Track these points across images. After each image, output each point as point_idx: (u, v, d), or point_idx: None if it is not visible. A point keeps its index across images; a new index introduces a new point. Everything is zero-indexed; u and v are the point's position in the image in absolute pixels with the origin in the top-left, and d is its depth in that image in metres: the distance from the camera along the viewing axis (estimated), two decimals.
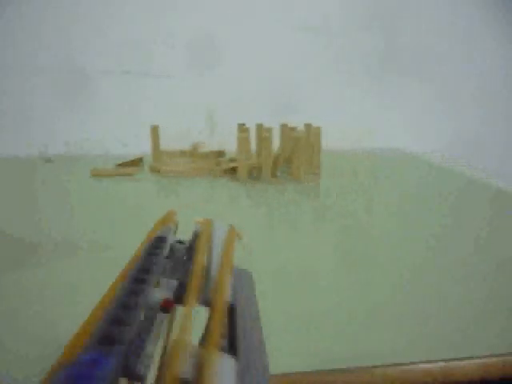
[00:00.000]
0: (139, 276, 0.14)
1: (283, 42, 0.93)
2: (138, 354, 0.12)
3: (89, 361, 0.10)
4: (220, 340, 0.13)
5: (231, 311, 0.15)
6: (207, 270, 0.17)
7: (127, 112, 0.88)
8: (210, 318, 0.14)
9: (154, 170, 0.70)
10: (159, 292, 0.15)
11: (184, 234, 0.20)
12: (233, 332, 0.15)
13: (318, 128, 0.66)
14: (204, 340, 0.13)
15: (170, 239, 0.19)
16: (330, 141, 0.78)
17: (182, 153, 0.78)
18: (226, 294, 0.15)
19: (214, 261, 0.17)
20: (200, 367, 0.11)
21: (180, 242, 0.19)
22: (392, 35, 0.96)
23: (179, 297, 0.16)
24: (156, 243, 0.17)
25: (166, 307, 0.15)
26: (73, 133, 0.85)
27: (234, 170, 0.69)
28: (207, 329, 0.13)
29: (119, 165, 0.72)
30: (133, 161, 0.75)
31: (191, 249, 0.18)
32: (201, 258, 0.17)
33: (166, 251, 0.18)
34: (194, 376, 0.11)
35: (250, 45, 0.91)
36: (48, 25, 0.83)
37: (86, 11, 0.84)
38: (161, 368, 0.13)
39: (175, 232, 0.21)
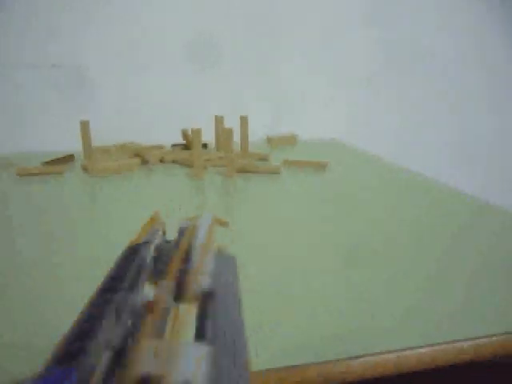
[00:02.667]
0: (111, 284, 0.14)
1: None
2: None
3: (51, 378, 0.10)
4: (190, 327, 0.14)
5: (208, 297, 0.15)
6: (188, 258, 0.17)
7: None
8: (182, 304, 0.14)
9: (83, 168, 0.67)
10: (151, 293, 0.15)
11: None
12: (207, 319, 0.14)
13: (245, 117, 0.65)
14: (172, 329, 0.13)
15: (157, 241, 0.19)
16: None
17: (117, 148, 0.76)
18: (202, 280, 0.15)
19: (196, 248, 0.17)
20: (164, 358, 0.11)
21: (168, 241, 0.19)
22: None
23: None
24: (134, 249, 0.17)
25: (151, 308, 0.14)
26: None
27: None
28: (177, 316, 0.14)
29: (47, 163, 0.69)
30: (63, 158, 0.72)
31: (177, 244, 0.18)
32: (182, 248, 0.17)
33: (148, 254, 0.17)
34: (156, 368, 0.10)
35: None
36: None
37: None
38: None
39: (164, 233, 0.21)
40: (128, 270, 0.15)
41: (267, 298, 0.32)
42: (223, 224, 0.21)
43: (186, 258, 0.17)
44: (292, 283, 0.34)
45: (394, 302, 0.31)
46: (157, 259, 0.18)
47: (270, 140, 0.89)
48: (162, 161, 0.71)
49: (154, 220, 0.20)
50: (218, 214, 0.49)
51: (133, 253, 0.17)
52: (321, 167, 0.69)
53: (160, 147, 0.78)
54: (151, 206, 0.52)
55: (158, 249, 0.18)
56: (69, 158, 0.73)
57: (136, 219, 0.45)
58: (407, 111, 1.02)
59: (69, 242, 0.41)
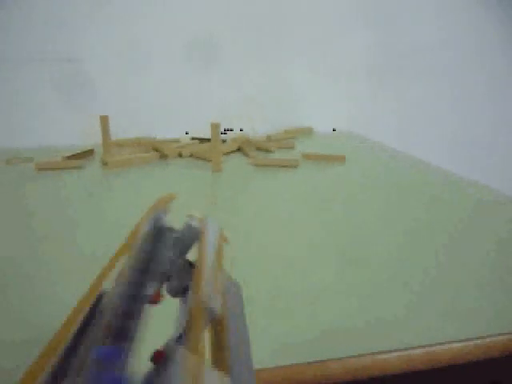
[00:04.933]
0: (143, 266, 0.15)
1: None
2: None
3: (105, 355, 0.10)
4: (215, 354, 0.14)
5: (222, 324, 0.15)
6: (198, 273, 0.16)
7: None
8: (209, 334, 0.14)
9: (103, 162, 0.68)
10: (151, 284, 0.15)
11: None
12: (224, 347, 0.14)
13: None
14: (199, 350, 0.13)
15: (162, 225, 0.19)
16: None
17: (133, 142, 0.76)
18: (220, 307, 0.15)
19: (208, 265, 0.17)
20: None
21: (171, 229, 0.19)
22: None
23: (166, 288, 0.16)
24: (155, 232, 0.17)
25: (155, 300, 0.15)
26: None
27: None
28: (201, 339, 0.13)
29: (68, 157, 0.70)
30: (83, 152, 0.72)
31: (183, 244, 0.18)
32: (200, 268, 0.16)
33: (163, 241, 0.18)
34: None
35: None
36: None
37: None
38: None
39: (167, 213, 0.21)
40: (154, 250, 0.16)
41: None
42: (225, 240, 0.21)
43: (195, 275, 0.16)
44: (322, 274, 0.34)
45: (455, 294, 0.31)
46: (157, 241, 0.18)
47: (287, 132, 0.89)
48: (180, 155, 0.71)
49: (163, 201, 0.20)
50: (238, 207, 0.49)
51: (156, 238, 0.17)
52: (339, 160, 0.68)
53: (176, 141, 0.78)
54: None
55: (161, 233, 0.18)
56: (88, 153, 0.73)
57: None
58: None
59: (88, 232, 0.42)
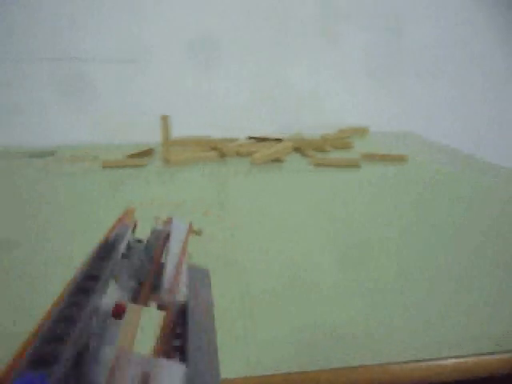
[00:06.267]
0: (85, 284, 0.14)
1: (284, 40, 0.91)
2: (90, 365, 0.11)
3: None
4: (170, 344, 0.14)
5: (184, 312, 0.15)
6: (162, 270, 0.17)
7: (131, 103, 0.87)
8: (160, 321, 0.14)
9: (165, 160, 0.69)
10: (115, 294, 0.15)
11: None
12: (184, 335, 0.14)
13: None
14: (155, 344, 0.13)
15: (128, 238, 0.18)
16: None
17: (191, 141, 0.77)
18: (179, 295, 0.15)
19: (170, 260, 0.17)
20: (146, 376, 0.11)
21: (139, 240, 0.19)
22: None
23: (137, 298, 0.16)
24: (108, 245, 0.17)
25: (119, 312, 0.14)
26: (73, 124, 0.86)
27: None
28: (156, 332, 0.14)
29: (130, 156, 0.72)
30: (144, 151, 0.74)
31: (149, 248, 0.18)
32: (157, 259, 0.17)
33: (119, 253, 0.17)
34: None
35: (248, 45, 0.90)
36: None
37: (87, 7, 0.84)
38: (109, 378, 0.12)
39: (133, 230, 0.20)
40: (101, 268, 0.15)
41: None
42: (197, 233, 0.21)
43: (159, 272, 0.16)
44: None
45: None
46: (125, 257, 0.18)
47: (341, 131, 0.88)
48: (238, 153, 0.72)
49: (126, 216, 0.20)
50: (299, 210, 0.49)
51: (106, 250, 0.16)
52: (401, 160, 0.67)
53: (234, 140, 0.79)
54: (232, 194, 0.53)
55: (128, 247, 0.18)
56: (149, 151, 0.75)
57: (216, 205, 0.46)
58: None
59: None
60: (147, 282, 0.16)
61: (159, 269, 0.17)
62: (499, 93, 0.98)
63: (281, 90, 0.92)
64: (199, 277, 0.18)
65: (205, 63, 0.88)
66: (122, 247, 0.17)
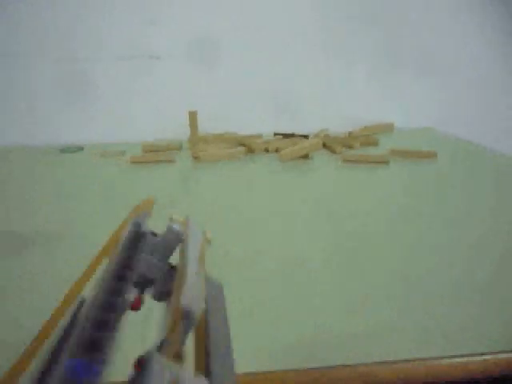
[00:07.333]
0: (122, 272, 0.14)
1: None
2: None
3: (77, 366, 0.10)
4: (201, 359, 0.14)
5: (203, 327, 0.15)
6: (182, 278, 0.16)
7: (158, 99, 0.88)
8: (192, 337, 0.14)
9: (194, 156, 0.70)
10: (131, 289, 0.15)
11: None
12: (206, 349, 0.14)
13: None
14: (178, 356, 0.13)
15: (145, 230, 0.18)
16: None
17: (217, 138, 0.78)
18: (199, 308, 0.15)
19: (190, 268, 0.16)
20: None
21: (154, 233, 0.19)
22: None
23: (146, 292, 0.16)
24: (134, 237, 0.17)
25: (137, 306, 0.15)
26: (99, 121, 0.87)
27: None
28: (181, 344, 0.13)
29: (158, 151, 0.72)
30: (171, 147, 0.75)
31: (166, 248, 0.18)
32: (181, 268, 0.16)
33: (143, 246, 0.17)
34: None
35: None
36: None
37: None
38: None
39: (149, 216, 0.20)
40: (133, 258, 0.15)
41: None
42: (208, 242, 0.21)
43: (182, 281, 0.16)
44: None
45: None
46: (137, 253, 0.17)
47: (366, 128, 0.87)
48: (266, 150, 0.72)
49: (144, 206, 0.20)
50: (331, 207, 0.49)
51: (135, 241, 0.17)
52: (430, 157, 0.66)
53: (259, 137, 0.79)
54: (262, 190, 0.53)
55: (144, 239, 0.18)
56: (176, 147, 0.76)
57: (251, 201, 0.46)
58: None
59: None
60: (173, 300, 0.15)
61: (180, 276, 0.16)
62: None
63: (296, 87, 0.91)
64: (214, 290, 0.18)
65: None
66: (144, 244, 0.17)
